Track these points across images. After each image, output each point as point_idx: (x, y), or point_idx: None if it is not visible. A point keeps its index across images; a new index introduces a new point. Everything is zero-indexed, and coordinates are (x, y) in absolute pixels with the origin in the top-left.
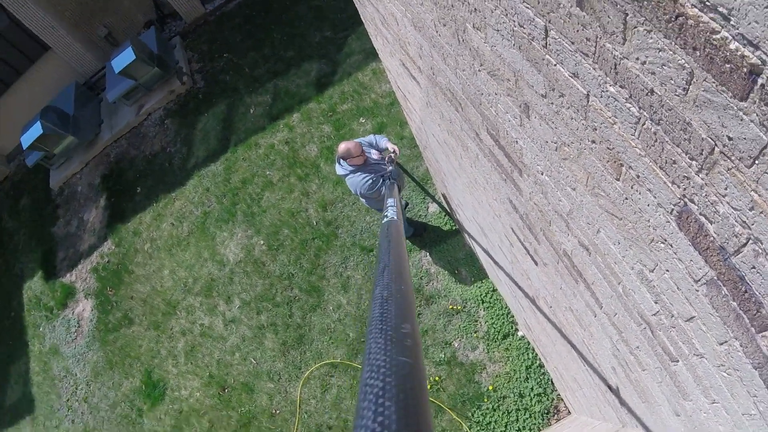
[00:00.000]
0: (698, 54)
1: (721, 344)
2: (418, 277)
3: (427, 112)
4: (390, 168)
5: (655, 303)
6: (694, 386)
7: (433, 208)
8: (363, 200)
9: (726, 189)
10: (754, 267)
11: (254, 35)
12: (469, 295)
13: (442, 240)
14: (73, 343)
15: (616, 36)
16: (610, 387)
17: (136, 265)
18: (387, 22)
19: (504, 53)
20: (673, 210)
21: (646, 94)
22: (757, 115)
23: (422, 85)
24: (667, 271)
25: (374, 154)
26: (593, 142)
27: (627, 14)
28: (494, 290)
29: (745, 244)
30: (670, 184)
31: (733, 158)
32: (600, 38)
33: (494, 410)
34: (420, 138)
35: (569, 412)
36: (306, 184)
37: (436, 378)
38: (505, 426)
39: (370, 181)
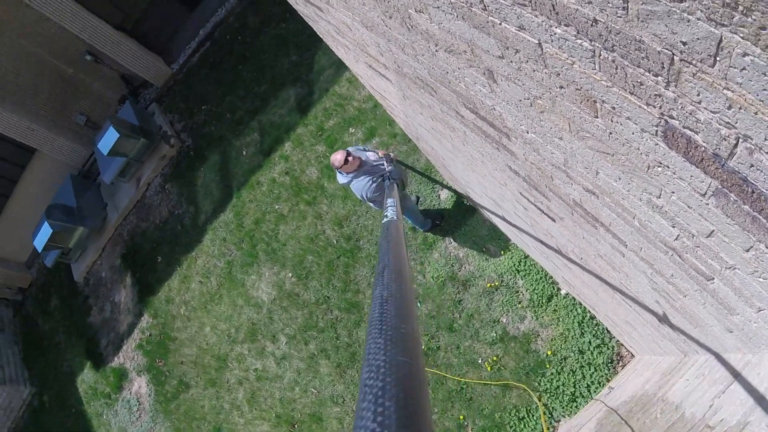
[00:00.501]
0: None
1: (748, 251)
2: (449, 264)
3: (407, 105)
4: (390, 168)
5: (673, 228)
6: (737, 299)
7: (444, 194)
8: (371, 204)
9: (699, 95)
10: (752, 165)
11: (224, 80)
12: (504, 269)
13: (462, 222)
14: (138, 421)
15: None
16: (659, 318)
17: (177, 331)
18: (341, 30)
19: (452, 27)
20: (657, 131)
21: (591, 25)
22: (701, 11)
23: (393, 81)
24: (673, 192)
25: (371, 156)
26: (561, 87)
27: None
28: (526, 257)
29: (736, 145)
30: (645, 107)
31: (694, 62)
32: None
33: (559, 373)
34: (410, 131)
35: (632, 355)
36: (316, 207)
37: (494, 358)
38: (574, 386)
39: (374, 183)
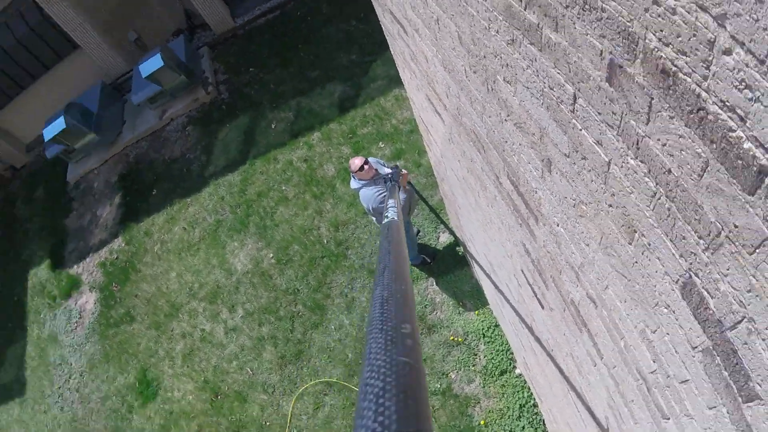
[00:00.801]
0: (714, 146)
1: (711, 409)
2: (423, 305)
3: (449, 148)
4: (393, 171)
5: (654, 362)
6: None
7: (444, 237)
8: (374, 218)
9: (728, 270)
10: (746, 343)
11: (282, 53)
12: (472, 329)
13: (450, 270)
14: (73, 333)
15: (641, 116)
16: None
17: (144, 265)
18: (416, 58)
19: (531, 109)
20: (678, 280)
21: (664, 173)
22: (761, 210)
23: (446, 122)
24: (668, 334)
25: (386, 170)
26: (610, 206)
27: (653, 98)
28: (497, 326)
29: (740, 321)
30: (678, 257)
31: (737, 244)
32: (625, 114)
33: None
34: (438, 170)
35: None
36: (321, 202)
37: (430, 406)
38: None
39: (382, 195)
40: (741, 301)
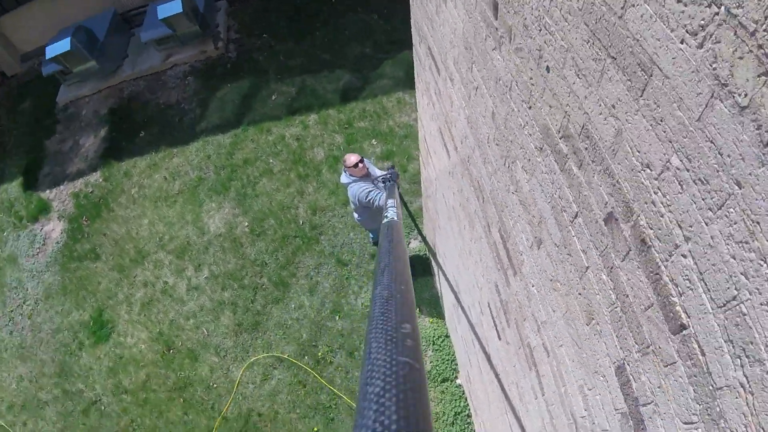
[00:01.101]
0: (660, 298)
1: None
2: None
3: (447, 178)
4: (391, 171)
5: (585, 410)
6: None
7: (414, 244)
8: (356, 215)
9: (649, 370)
10: (651, 417)
11: (298, 27)
12: (424, 334)
13: (414, 276)
14: (33, 258)
15: (620, 254)
16: None
17: (118, 205)
18: (441, 97)
19: (539, 200)
20: (615, 363)
21: (624, 295)
22: (677, 345)
23: (452, 159)
24: (599, 395)
25: (378, 173)
26: (579, 294)
27: (630, 250)
28: (447, 336)
29: (649, 403)
30: (618, 348)
31: (657, 357)
32: (609, 247)
33: None
34: (427, 187)
35: None
36: (304, 183)
37: None
38: None
39: (369, 190)
40: (652, 392)
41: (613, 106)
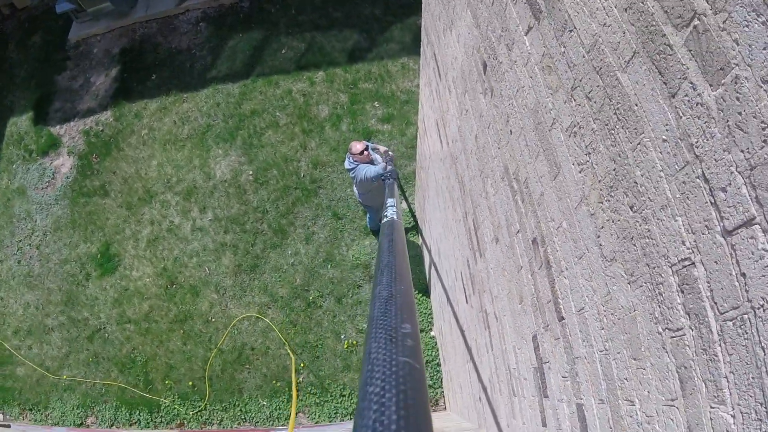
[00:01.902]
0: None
1: (533, 396)
2: (371, 257)
3: (438, 162)
4: (390, 168)
5: (515, 364)
6: (520, 406)
7: (403, 206)
8: (357, 194)
9: (547, 341)
10: (547, 372)
11: None
12: None
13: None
14: (43, 191)
15: (537, 265)
16: (483, 389)
17: (128, 145)
18: (441, 97)
19: (498, 211)
20: (532, 333)
21: (538, 293)
22: None
23: (443, 150)
24: (524, 354)
25: (379, 159)
26: (517, 283)
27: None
28: (426, 292)
29: (547, 362)
30: (534, 324)
31: (551, 335)
32: (534, 266)
33: None
34: (422, 160)
35: (445, 408)
36: (307, 138)
37: (354, 342)
38: None
39: (372, 173)
40: (549, 354)
41: (541, 177)
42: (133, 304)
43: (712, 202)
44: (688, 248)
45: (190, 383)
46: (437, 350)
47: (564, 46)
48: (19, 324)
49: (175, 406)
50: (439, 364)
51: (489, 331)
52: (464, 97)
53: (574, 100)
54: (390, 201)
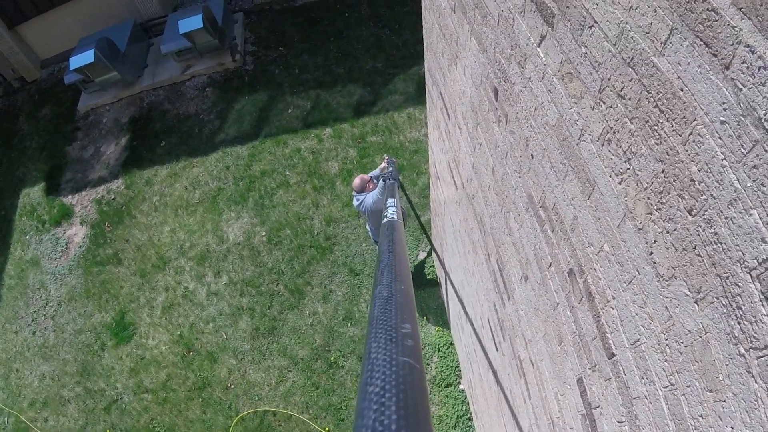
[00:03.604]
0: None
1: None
2: None
3: (454, 205)
4: (391, 168)
5: (559, 413)
6: None
7: (422, 256)
8: (371, 231)
9: (596, 383)
10: (599, 418)
11: (312, 40)
12: (429, 341)
13: (421, 286)
14: (56, 261)
15: (577, 299)
16: None
17: (140, 213)
18: (451, 137)
19: (525, 246)
20: (576, 376)
21: (580, 330)
22: None
23: (458, 192)
24: (567, 400)
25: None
26: (554, 322)
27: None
28: (452, 344)
29: (598, 407)
30: (578, 365)
31: (600, 375)
32: (573, 301)
33: None
34: (436, 207)
35: None
36: (319, 195)
37: None
38: None
39: (377, 190)
40: (599, 398)
41: (573, 199)
42: (150, 373)
43: None
44: None
45: None
46: (467, 404)
47: (585, 46)
48: (35, 396)
49: None
50: (470, 419)
51: (525, 378)
52: (476, 130)
53: (604, 103)
54: (390, 201)
